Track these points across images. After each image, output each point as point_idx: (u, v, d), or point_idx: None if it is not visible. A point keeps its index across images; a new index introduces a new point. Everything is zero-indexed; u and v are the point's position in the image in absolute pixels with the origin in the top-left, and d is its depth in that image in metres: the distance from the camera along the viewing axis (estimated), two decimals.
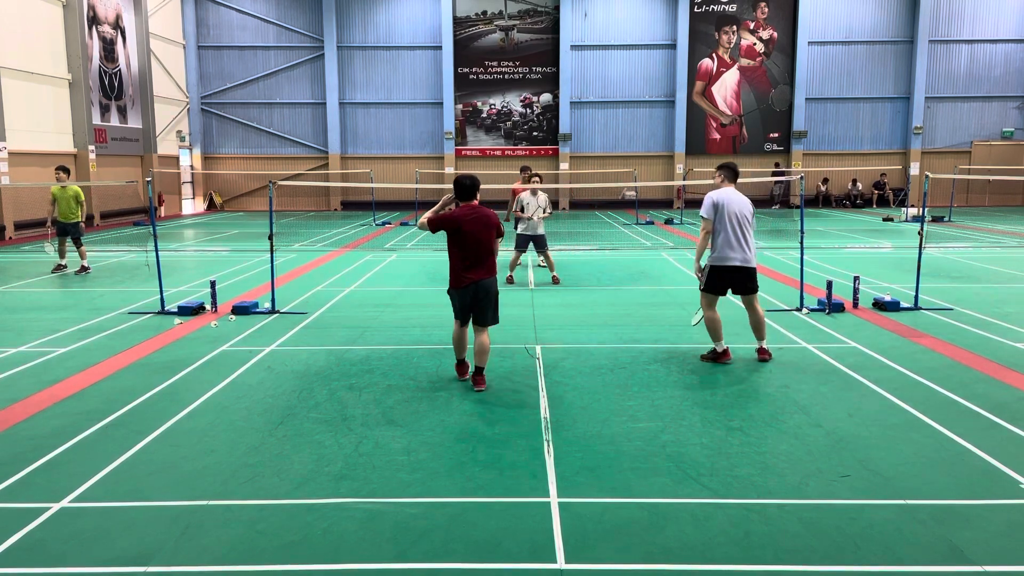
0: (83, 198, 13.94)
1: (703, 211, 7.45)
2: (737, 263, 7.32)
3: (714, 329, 7.48)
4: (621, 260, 15.09)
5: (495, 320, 6.70)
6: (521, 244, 12.37)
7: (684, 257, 15.54)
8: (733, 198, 7.40)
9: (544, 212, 12.19)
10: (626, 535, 4.08)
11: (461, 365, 7.00)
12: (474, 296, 6.52)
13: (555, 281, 12.27)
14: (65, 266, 14.10)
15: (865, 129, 32.35)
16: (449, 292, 6.70)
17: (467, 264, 6.47)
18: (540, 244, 12.32)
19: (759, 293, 7.70)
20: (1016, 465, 4.93)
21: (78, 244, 13.84)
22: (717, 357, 7.53)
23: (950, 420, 5.78)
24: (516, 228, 12.49)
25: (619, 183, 24.90)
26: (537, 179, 12.32)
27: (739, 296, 7.69)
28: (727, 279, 7.42)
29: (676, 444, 5.36)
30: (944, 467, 4.94)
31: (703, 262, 7.56)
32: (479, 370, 6.69)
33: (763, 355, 7.58)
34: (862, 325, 9.16)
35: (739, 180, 7.84)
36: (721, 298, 7.67)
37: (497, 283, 6.70)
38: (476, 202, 6.62)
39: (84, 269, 13.78)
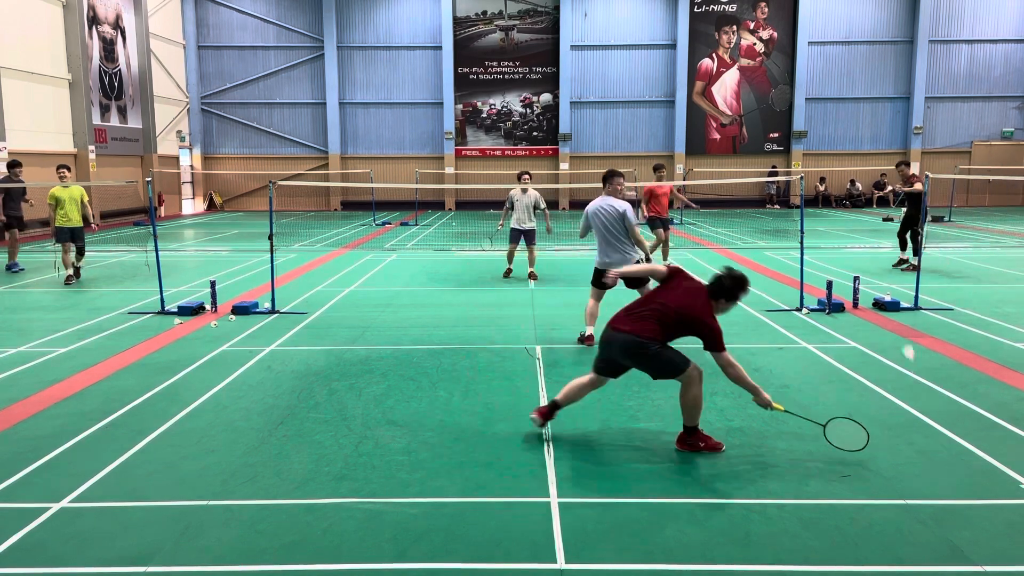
0: (86, 199, 12.97)
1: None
2: (609, 265, 7.96)
3: (590, 315, 8.29)
4: None
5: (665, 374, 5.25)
6: (514, 238, 12.96)
7: (684, 257, 15.54)
8: (600, 205, 8.08)
9: (536, 209, 12.78)
10: (626, 535, 4.08)
11: (549, 410, 5.58)
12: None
13: (532, 277, 12.82)
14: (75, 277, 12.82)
15: (865, 129, 32.35)
16: None
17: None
18: (530, 239, 12.91)
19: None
20: (1016, 465, 4.92)
21: (79, 250, 12.93)
22: (583, 339, 8.27)
23: (950, 420, 5.78)
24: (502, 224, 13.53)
25: None
26: (527, 176, 12.85)
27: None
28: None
29: None
30: (944, 467, 4.94)
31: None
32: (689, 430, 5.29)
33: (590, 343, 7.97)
34: (862, 325, 9.16)
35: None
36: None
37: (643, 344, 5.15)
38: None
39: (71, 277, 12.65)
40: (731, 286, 5.11)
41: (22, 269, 14.11)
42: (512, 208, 12.81)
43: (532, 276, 12.77)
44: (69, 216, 12.80)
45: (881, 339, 8.44)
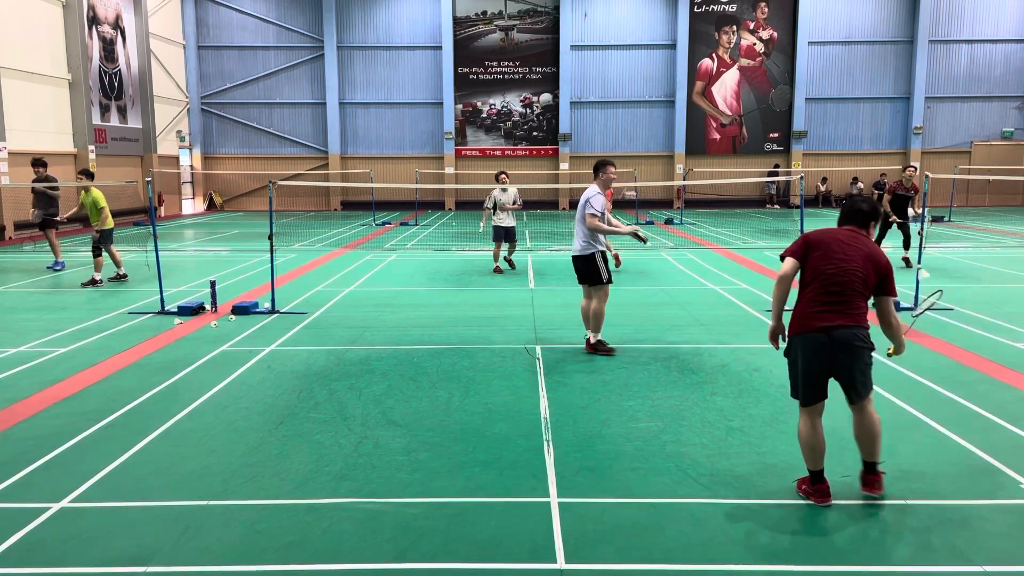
0: (102, 204, 12.55)
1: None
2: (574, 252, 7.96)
3: (586, 317, 8.01)
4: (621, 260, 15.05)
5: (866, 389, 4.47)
6: (497, 236, 13.68)
7: (684, 257, 15.54)
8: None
9: (514, 204, 13.54)
10: (626, 535, 4.08)
11: (817, 479, 4.46)
12: (830, 353, 4.46)
13: (510, 264, 13.91)
14: (97, 281, 12.54)
15: (865, 129, 32.36)
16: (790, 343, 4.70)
17: (822, 302, 4.56)
18: (511, 236, 13.73)
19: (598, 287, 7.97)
20: (1016, 465, 4.92)
21: (94, 253, 12.66)
22: (588, 343, 8.03)
23: (950, 420, 5.78)
24: (486, 222, 14.39)
25: (619, 183, 24.88)
26: (505, 176, 13.64)
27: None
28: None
29: (676, 444, 5.36)
30: (944, 467, 4.94)
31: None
32: (870, 467, 4.47)
33: (588, 347, 7.90)
34: None
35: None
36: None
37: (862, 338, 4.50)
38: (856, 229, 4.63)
39: (93, 282, 12.46)
40: (868, 209, 4.55)
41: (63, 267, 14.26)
42: (495, 208, 13.53)
43: (510, 263, 13.87)
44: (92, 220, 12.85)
45: (880, 340, 8.42)
